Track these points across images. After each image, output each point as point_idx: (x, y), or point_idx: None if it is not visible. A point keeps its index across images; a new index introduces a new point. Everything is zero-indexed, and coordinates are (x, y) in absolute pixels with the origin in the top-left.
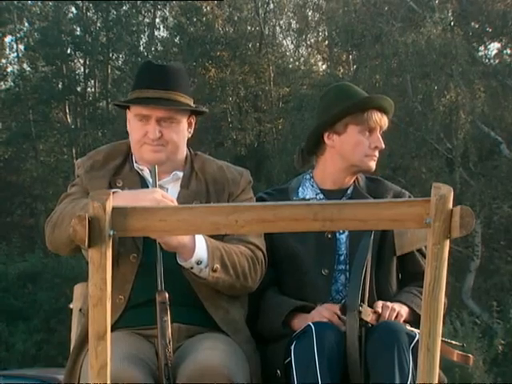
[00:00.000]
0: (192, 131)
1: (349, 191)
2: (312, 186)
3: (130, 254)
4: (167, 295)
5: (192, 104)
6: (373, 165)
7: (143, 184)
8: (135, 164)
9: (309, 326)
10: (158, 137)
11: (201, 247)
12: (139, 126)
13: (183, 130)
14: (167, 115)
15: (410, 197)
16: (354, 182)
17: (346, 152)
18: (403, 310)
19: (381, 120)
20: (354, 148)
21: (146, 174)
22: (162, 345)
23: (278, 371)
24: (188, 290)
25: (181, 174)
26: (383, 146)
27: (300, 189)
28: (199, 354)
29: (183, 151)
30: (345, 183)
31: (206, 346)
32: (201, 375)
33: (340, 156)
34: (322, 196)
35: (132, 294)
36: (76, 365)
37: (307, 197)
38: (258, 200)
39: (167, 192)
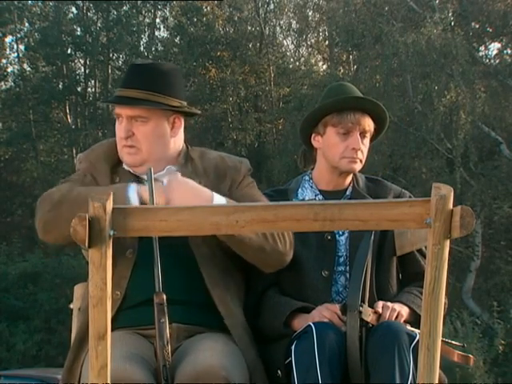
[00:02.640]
0: (178, 131)
1: (348, 192)
2: (311, 186)
3: (127, 249)
4: (165, 296)
5: (176, 104)
6: (353, 166)
7: (139, 182)
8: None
9: (309, 326)
10: (126, 135)
11: (219, 200)
12: (117, 126)
13: (160, 130)
14: (136, 114)
15: (410, 197)
16: (353, 182)
17: (326, 153)
18: (403, 311)
19: (360, 121)
20: (330, 149)
21: (138, 172)
22: (160, 346)
23: (279, 371)
24: (187, 289)
25: (174, 168)
26: (360, 147)
27: (299, 190)
28: (197, 356)
29: (167, 149)
30: (339, 184)
31: (204, 347)
32: (198, 377)
33: (324, 157)
34: (321, 197)
35: (129, 292)
36: (74, 364)
37: (306, 198)
38: None
39: (163, 184)
